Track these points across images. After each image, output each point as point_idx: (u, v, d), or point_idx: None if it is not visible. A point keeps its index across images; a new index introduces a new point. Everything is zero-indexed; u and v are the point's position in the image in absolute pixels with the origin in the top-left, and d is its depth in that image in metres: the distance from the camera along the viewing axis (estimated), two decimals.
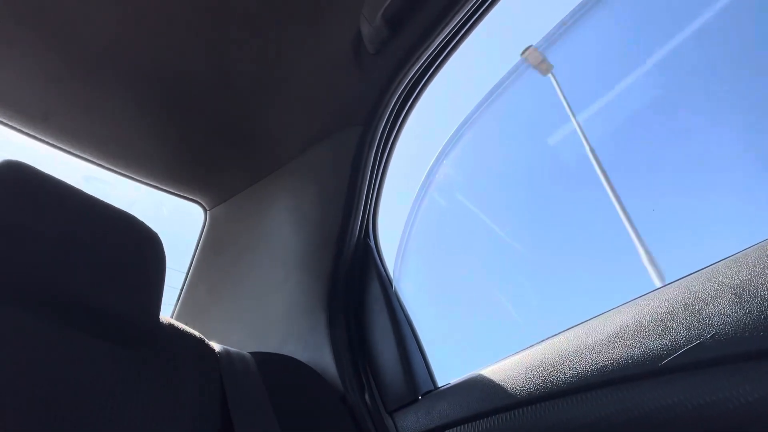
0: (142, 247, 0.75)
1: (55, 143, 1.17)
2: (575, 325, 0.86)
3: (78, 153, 1.22)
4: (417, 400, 1.02)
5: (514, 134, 1.23)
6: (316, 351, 1.09)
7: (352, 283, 1.18)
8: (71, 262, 0.66)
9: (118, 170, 1.29)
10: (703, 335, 0.68)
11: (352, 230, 1.17)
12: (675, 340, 0.70)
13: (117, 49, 1.02)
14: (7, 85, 1.04)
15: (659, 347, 0.71)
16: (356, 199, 1.17)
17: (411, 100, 1.16)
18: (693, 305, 0.70)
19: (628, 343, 0.74)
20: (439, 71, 1.13)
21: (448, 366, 1.09)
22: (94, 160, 1.24)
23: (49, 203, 0.67)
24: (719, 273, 0.70)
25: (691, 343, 0.69)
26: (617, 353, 0.75)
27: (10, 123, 1.11)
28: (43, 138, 1.16)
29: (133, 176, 1.32)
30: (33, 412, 0.58)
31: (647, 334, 0.73)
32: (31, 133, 1.14)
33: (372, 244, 1.22)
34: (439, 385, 1.05)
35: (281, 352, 1.08)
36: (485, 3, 1.01)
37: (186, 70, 1.08)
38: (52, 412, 0.59)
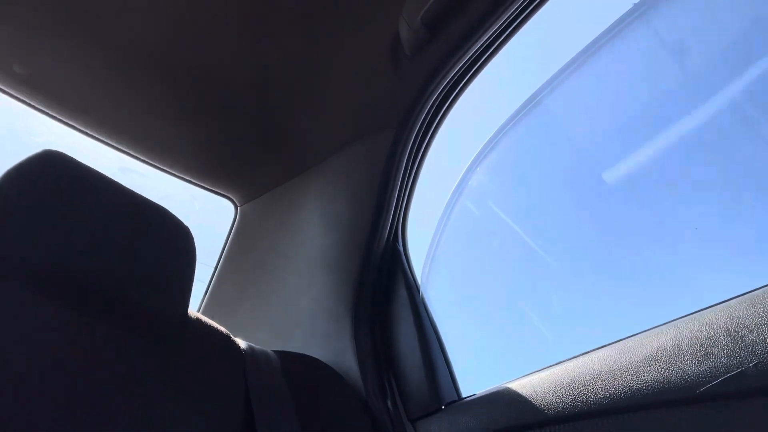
0: (173, 240, 0.75)
1: (94, 134, 1.20)
2: (609, 344, 0.83)
3: (116, 145, 1.24)
4: (440, 409, 1.00)
5: (554, 146, 1.20)
6: (339, 353, 1.09)
7: (379, 287, 1.17)
8: (104, 253, 0.67)
9: (154, 163, 1.31)
10: (745, 363, 0.65)
11: (382, 234, 1.16)
12: (715, 367, 0.67)
13: (158, 48, 1.03)
14: (50, 77, 1.07)
15: (698, 373, 0.68)
16: (387, 202, 1.15)
17: (447, 104, 1.14)
18: (736, 331, 0.67)
19: (665, 367, 0.71)
20: (476, 76, 1.11)
21: (473, 376, 1.07)
22: (131, 153, 1.27)
23: (85, 194, 0.68)
24: (765, 300, 0.67)
25: (732, 371, 0.65)
26: (653, 376, 0.72)
27: (52, 113, 1.13)
28: (83, 129, 1.18)
29: (167, 170, 1.34)
30: (60, 404, 0.58)
31: (686, 358, 0.70)
32: (72, 124, 1.16)
33: (401, 248, 1.20)
34: (464, 396, 1.04)
35: (305, 353, 1.08)
36: (526, 9, 0.99)
37: (224, 70, 1.09)
38: (79, 404, 0.59)
